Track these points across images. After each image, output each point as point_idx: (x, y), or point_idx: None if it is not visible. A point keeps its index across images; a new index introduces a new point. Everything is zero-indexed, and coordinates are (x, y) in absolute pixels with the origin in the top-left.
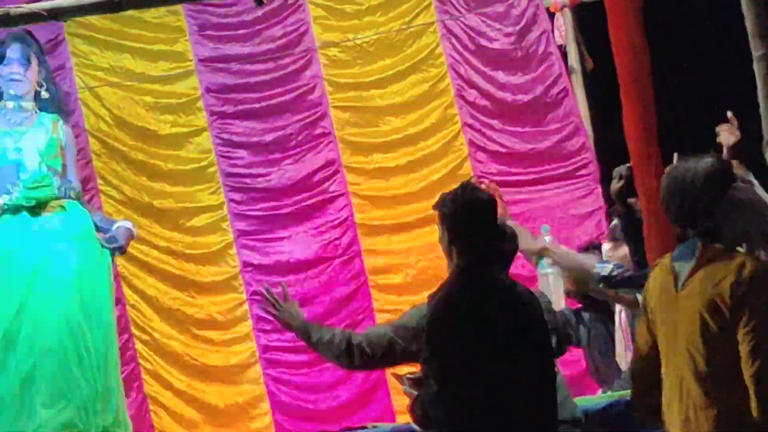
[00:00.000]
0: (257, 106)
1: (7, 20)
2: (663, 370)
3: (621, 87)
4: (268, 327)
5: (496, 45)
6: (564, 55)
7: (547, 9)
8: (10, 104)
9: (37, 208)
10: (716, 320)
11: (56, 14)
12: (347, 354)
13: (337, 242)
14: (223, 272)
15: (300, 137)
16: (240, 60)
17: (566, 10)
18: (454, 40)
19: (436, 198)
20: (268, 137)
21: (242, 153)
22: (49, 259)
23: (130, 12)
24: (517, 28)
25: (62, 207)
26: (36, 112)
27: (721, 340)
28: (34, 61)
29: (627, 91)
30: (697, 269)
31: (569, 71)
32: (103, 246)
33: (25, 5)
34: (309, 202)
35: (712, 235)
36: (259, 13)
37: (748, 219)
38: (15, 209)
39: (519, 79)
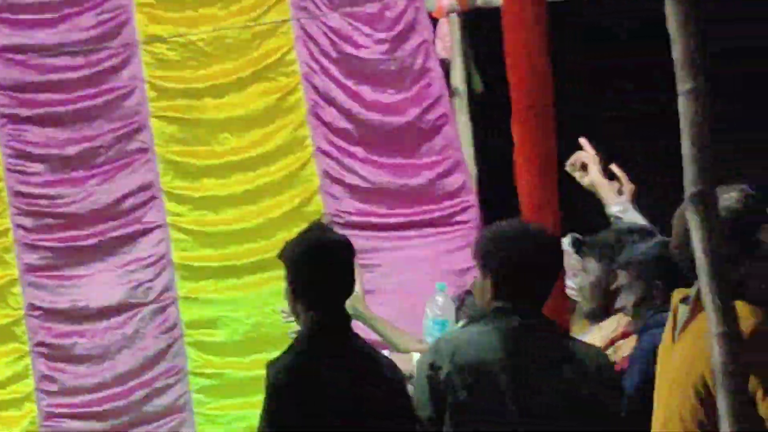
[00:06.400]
0: (60, 110)
1: None
2: None
3: (513, 115)
4: (53, 388)
5: (363, 53)
6: (447, 73)
7: (430, 14)
8: None
9: None
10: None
11: None
12: None
13: (149, 285)
14: (3, 316)
15: (111, 152)
16: (41, 51)
17: (453, 16)
18: (311, 44)
19: (276, 238)
20: (72, 150)
21: (38, 168)
22: None
23: None
24: (392, 34)
25: None
26: None
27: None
28: None
29: (521, 119)
30: (692, 319)
31: (452, 92)
32: None
33: None
34: (117, 233)
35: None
36: None
37: None
38: None
39: (390, 97)
